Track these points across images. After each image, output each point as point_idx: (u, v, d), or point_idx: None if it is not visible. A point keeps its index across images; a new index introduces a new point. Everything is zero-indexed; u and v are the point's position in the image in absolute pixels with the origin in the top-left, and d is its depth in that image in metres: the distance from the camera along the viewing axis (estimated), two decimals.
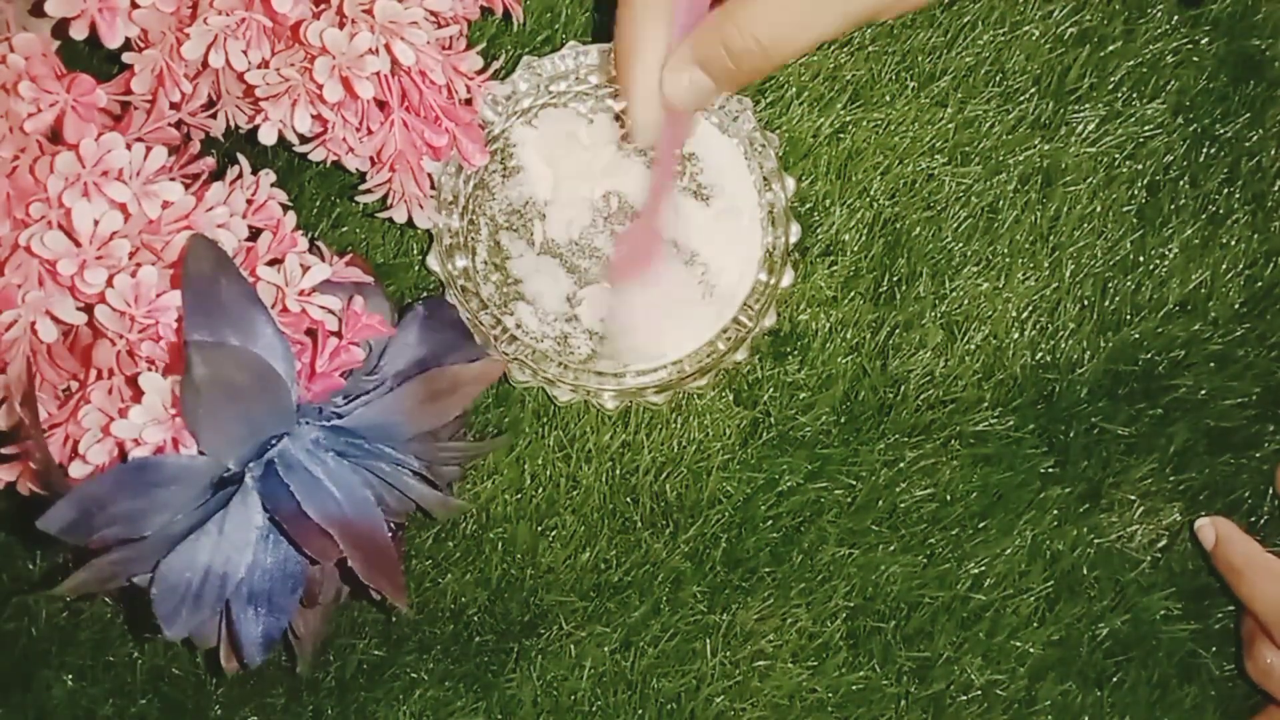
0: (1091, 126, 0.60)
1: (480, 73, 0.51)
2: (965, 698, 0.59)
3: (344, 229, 0.59)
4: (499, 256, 0.58)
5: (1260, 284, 0.60)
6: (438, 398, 0.49)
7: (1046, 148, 0.60)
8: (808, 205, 0.60)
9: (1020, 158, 0.60)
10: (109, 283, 0.45)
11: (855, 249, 0.60)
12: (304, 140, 0.52)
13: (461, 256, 0.57)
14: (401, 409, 0.49)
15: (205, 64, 0.47)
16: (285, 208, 0.50)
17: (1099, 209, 0.60)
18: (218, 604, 0.46)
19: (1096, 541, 0.59)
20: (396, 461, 0.50)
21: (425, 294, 0.59)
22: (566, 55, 0.58)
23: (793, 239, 0.58)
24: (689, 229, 0.58)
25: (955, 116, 0.60)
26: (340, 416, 0.48)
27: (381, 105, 0.50)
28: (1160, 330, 0.59)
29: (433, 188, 0.57)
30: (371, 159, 0.52)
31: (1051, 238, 0.60)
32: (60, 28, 0.46)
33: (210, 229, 0.47)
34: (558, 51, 0.58)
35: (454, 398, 0.50)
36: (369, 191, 0.54)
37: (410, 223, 0.55)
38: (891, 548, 0.59)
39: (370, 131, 0.50)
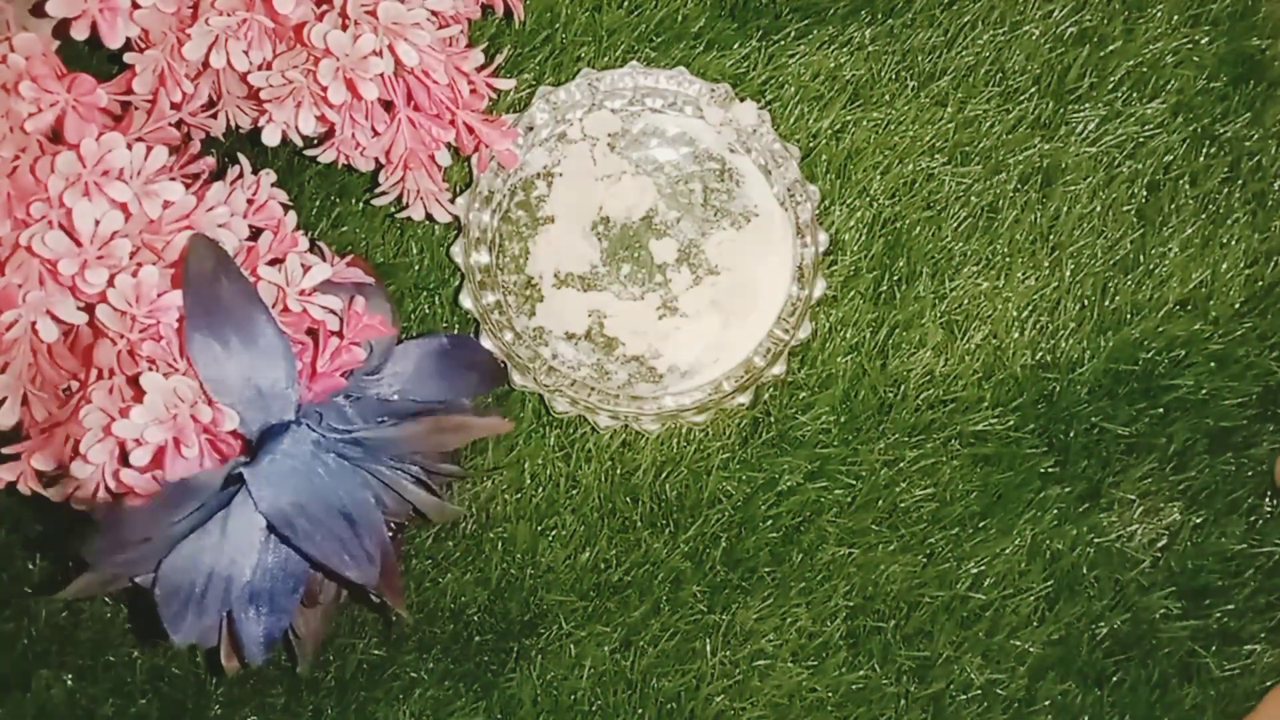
0: (1091, 126, 0.60)
1: (483, 69, 0.51)
2: (965, 697, 0.59)
3: (344, 229, 0.59)
4: (530, 289, 0.58)
5: (1261, 283, 0.60)
6: (443, 431, 0.50)
7: (1046, 147, 0.60)
8: None
9: (1020, 157, 0.60)
10: (110, 282, 0.45)
11: (855, 248, 0.60)
12: (313, 143, 0.52)
13: (492, 291, 0.57)
14: (404, 435, 0.49)
15: (206, 64, 0.47)
16: (286, 207, 0.50)
17: (1099, 209, 0.60)
18: (222, 607, 0.46)
19: (1096, 541, 0.59)
20: (396, 466, 0.50)
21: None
22: (580, 83, 0.58)
23: (821, 248, 0.58)
24: (721, 252, 0.58)
25: (955, 116, 0.60)
26: (343, 429, 0.48)
27: (387, 105, 0.50)
28: (1160, 330, 0.59)
29: (458, 223, 0.57)
30: (377, 160, 0.52)
31: (1051, 237, 0.60)
32: (61, 28, 0.46)
33: (211, 229, 0.47)
34: (572, 80, 0.58)
35: (458, 435, 0.50)
36: (384, 193, 0.54)
37: (429, 218, 0.55)
38: (891, 547, 0.59)
39: (377, 132, 0.50)
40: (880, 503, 0.59)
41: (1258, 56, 0.61)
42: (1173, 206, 0.60)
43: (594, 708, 0.58)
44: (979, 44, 0.60)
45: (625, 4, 0.59)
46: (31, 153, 0.46)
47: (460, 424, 0.50)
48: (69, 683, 0.57)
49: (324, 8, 0.47)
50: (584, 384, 0.58)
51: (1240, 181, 0.60)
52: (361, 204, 0.58)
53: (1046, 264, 0.60)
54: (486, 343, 0.57)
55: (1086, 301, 0.60)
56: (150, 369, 0.45)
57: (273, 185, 0.50)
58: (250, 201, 0.50)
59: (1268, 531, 0.59)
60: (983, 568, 0.59)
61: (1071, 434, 0.59)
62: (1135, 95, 0.60)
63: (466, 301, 0.57)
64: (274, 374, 0.46)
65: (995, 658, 0.59)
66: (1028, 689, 0.59)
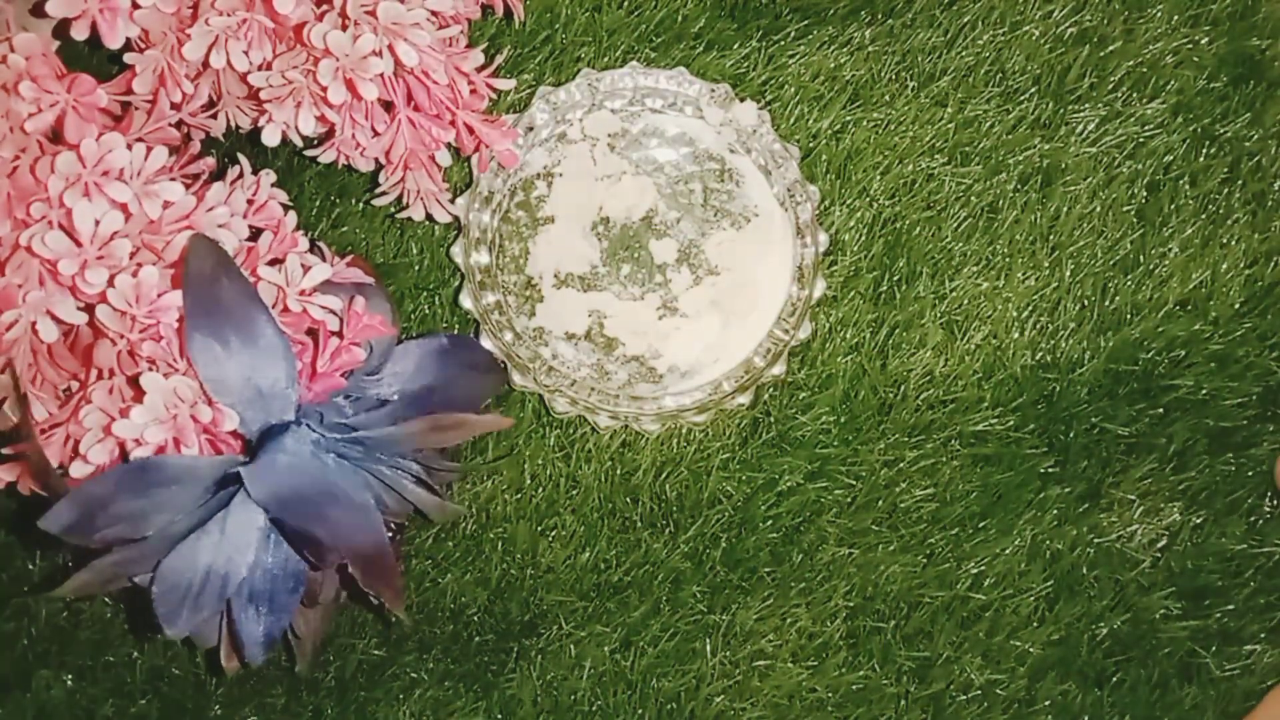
0: (1091, 126, 0.60)
1: (483, 69, 0.51)
2: (965, 697, 0.59)
3: (344, 229, 0.59)
4: (530, 289, 0.58)
5: (1260, 283, 0.60)
6: (441, 429, 0.50)
7: (1046, 148, 0.60)
8: None
9: (1020, 158, 0.60)
10: (110, 283, 0.44)
11: (855, 249, 0.60)
12: (313, 143, 0.52)
13: (492, 291, 0.57)
14: (403, 433, 0.49)
15: (206, 64, 0.47)
16: (286, 207, 0.50)
17: (1099, 209, 0.60)
18: (219, 604, 0.46)
19: (1096, 541, 0.59)
20: (396, 466, 0.50)
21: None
22: (580, 83, 0.58)
23: (821, 248, 0.58)
24: (721, 252, 0.58)
25: (955, 116, 0.60)
26: (344, 428, 0.48)
27: (387, 105, 0.50)
28: (1160, 330, 0.59)
29: (459, 223, 0.57)
30: (377, 160, 0.52)
31: (1051, 237, 0.60)
32: (61, 28, 0.46)
33: (211, 229, 0.47)
34: (572, 81, 0.58)
35: (457, 432, 0.50)
36: (384, 193, 0.54)
37: (429, 218, 0.55)
38: (891, 547, 0.59)
39: (377, 132, 0.50)
40: (880, 503, 0.59)
41: (1258, 56, 0.61)
42: (1173, 206, 0.60)
43: (594, 708, 0.58)
44: (979, 44, 0.60)
45: (625, 4, 0.59)
46: (31, 153, 0.46)
47: (459, 421, 0.50)
48: (69, 683, 0.57)
49: (324, 8, 0.47)
50: (584, 384, 0.58)
51: (1240, 181, 0.60)
52: (361, 204, 0.58)
53: (1046, 264, 0.60)
54: (486, 343, 0.57)
55: (1086, 301, 0.60)
56: (150, 369, 0.45)
57: (273, 185, 0.50)
58: (250, 201, 0.50)
59: (1268, 531, 0.59)
60: (983, 568, 0.59)
61: (1071, 434, 0.59)
62: (1135, 95, 0.60)
63: (466, 301, 0.57)
64: (274, 374, 0.46)
65: (995, 658, 0.59)
66: (1028, 689, 0.59)
